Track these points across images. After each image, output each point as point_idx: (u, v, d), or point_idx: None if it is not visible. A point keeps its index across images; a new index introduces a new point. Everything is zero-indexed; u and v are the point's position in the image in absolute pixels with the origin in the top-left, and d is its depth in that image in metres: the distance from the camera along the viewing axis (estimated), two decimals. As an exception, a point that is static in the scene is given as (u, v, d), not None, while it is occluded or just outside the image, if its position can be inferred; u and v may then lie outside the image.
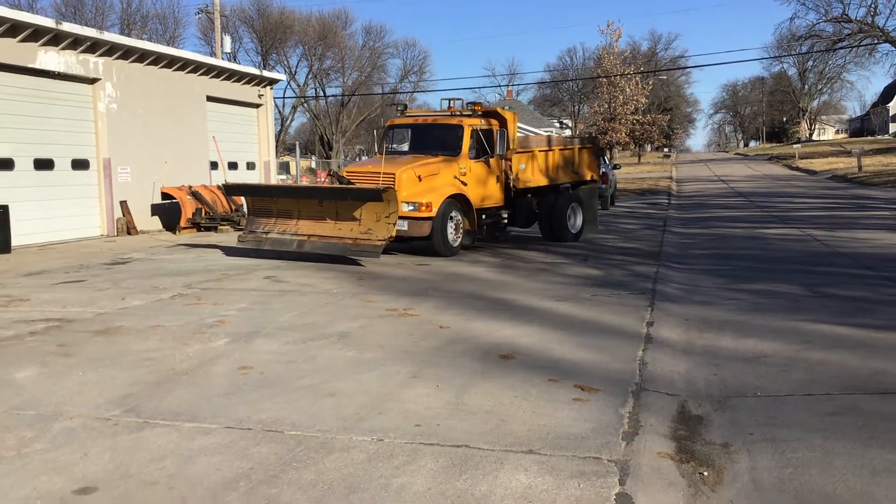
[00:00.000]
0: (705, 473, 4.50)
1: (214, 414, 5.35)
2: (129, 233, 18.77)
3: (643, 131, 60.18)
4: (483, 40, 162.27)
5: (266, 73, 26.10)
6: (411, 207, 13.49)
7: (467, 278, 11.59)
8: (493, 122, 15.38)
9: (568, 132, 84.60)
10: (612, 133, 55.74)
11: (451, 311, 8.92)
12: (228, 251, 14.62)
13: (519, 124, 59.28)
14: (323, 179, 42.85)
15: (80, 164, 18.10)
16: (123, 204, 18.88)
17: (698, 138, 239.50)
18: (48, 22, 16.89)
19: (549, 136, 24.16)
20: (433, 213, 13.57)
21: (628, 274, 11.97)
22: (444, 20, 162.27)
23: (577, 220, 17.20)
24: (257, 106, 25.27)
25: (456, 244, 14.15)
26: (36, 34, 16.51)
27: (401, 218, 13.12)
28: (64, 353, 6.99)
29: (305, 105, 78.39)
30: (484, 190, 14.95)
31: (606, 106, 57.29)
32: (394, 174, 13.57)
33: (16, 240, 15.46)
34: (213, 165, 22.45)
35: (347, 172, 14.77)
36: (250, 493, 4.10)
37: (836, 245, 15.23)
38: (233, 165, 23.71)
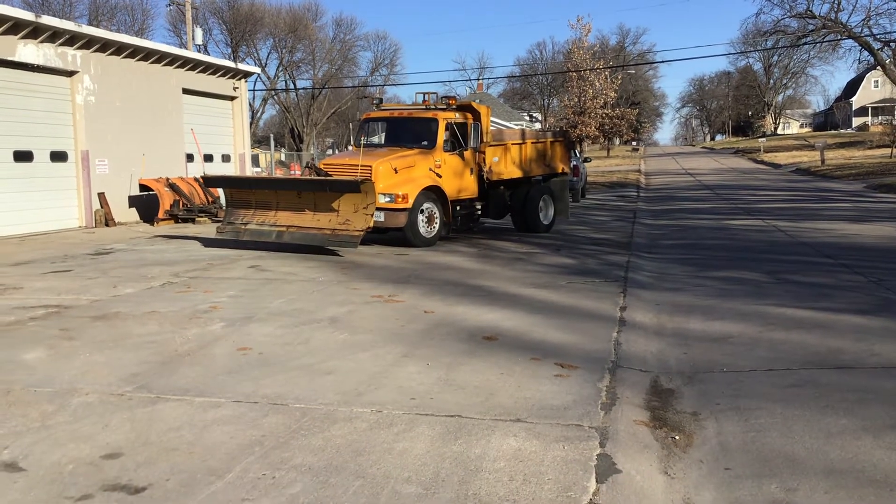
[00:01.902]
0: (677, 437, 4.97)
1: (221, 390, 5.71)
2: (107, 224, 18.92)
3: (612, 125, 60.86)
4: (453, 34, 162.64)
5: (241, 66, 26.22)
6: (388, 199, 13.78)
7: (447, 267, 12.00)
8: (468, 115, 15.70)
9: (538, 125, 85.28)
10: (581, 127, 56.36)
11: (435, 298, 9.32)
12: (208, 242, 14.89)
13: (491, 118, 59.28)
14: (296, 172, 43.02)
15: (58, 157, 18.22)
16: (101, 196, 19.02)
17: (666, 132, 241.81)
18: (28, 15, 16.99)
19: (522, 130, 24.48)
20: (409, 205, 13.88)
21: (601, 263, 12.45)
22: (414, 13, 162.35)
23: (549, 212, 17.58)
24: (232, 98, 25.41)
25: (431, 235, 14.46)
26: (16, 27, 16.60)
27: (378, 209, 13.40)
28: (68, 337, 7.29)
29: (276, 97, 78.27)
30: (458, 182, 15.26)
31: (576, 100, 57.93)
32: (370, 166, 13.84)
33: (-4, 231, 15.60)
34: (190, 158, 22.61)
35: (325, 165, 14.98)
36: (265, 457, 4.48)
37: (798, 235, 15.87)
38: (209, 158, 23.85)
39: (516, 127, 57.82)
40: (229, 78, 24.89)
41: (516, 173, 16.90)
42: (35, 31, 17.14)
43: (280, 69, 76.98)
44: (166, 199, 19.61)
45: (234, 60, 59.11)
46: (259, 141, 66.00)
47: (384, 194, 13.70)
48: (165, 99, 21.60)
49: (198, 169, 21.52)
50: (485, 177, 15.90)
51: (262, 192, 14.17)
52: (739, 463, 4.53)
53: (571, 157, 26.81)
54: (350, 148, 16.00)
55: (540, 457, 4.49)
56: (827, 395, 5.65)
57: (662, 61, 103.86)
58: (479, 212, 16.31)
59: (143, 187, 19.80)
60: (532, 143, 17.69)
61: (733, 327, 7.87)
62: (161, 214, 19.40)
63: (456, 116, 15.37)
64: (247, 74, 26.26)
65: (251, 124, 68.71)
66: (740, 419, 5.22)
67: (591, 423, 5.06)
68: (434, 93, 16.36)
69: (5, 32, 16.43)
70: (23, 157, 17.25)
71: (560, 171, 18.40)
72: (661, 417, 5.35)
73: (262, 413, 5.22)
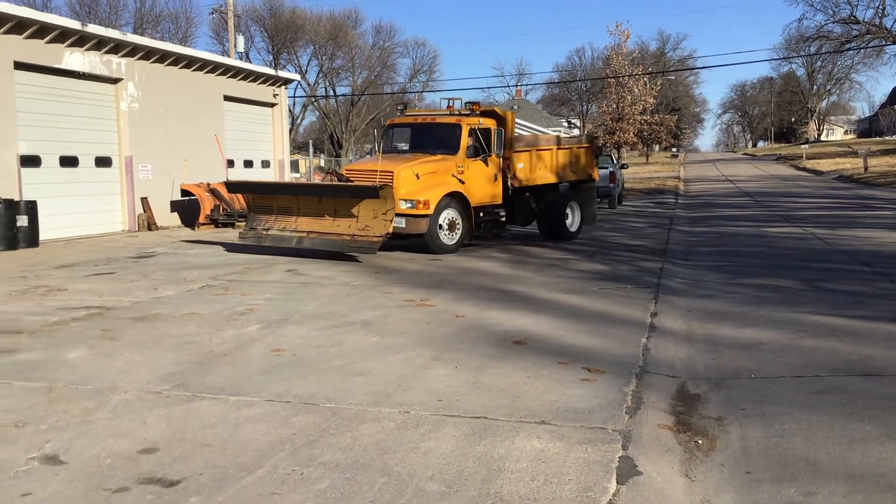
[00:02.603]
0: (700, 441, 5.02)
1: (255, 389, 5.88)
2: (149, 228, 19.34)
3: (651, 131, 60.57)
4: (492, 41, 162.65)
5: (281, 74, 26.67)
6: (409, 205, 13.72)
7: (479, 272, 12.10)
8: (492, 121, 15.59)
9: (576, 132, 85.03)
10: (619, 133, 56.15)
11: (466, 302, 9.43)
12: (246, 247, 15.13)
13: (527, 123, 59.29)
14: (321, 179, 43.38)
15: (103, 162, 18.69)
16: (144, 200, 19.45)
17: (707, 138, 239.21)
18: (74, 24, 17.49)
19: (547, 136, 24.35)
20: (430, 211, 13.77)
21: (634, 269, 12.45)
22: (453, 20, 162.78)
23: (576, 219, 17.39)
24: (272, 105, 25.82)
25: (453, 242, 14.32)
26: (63, 35, 17.09)
27: (399, 215, 13.41)
28: (109, 337, 7.53)
29: (316, 104, 79.02)
30: (482, 188, 15.14)
31: (615, 106, 57.71)
32: (392, 172, 13.82)
33: (43, 234, 16.04)
34: (230, 163, 23.03)
35: (347, 171, 15.01)
36: (295, 454, 4.63)
37: (836, 243, 15.70)
38: (248, 163, 24.28)
39: (553, 133, 57.72)
40: (269, 85, 25.29)
41: (542, 179, 16.73)
42: (81, 40, 17.62)
43: (320, 76, 77.77)
44: (207, 204, 19.98)
45: (275, 67, 59.94)
46: (299, 147, 66.81)
47: (405, 200, 13.70)
48: (207, 106, 22.03)
49: (236, 175, 21.88)
50: (509, 183, 15.77)
51: (283, 198, 14.27)
52: (761, 467, 4.58)
53: (598, 163, 26.74)
54: (376, 154, 16.15)
55: (562, 458, 4.57)
56: (853, 402, 5.65)
57: (703, 67, 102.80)
58: (504, 219, 16.13)
59: (184, 192, 20.20)
60: (558, 149, 17.49)
61: (764, 334, 7.86)
62: (202, 219, 19.77)
63: (480, 122, 15.29)
64: (287, 81, 26.67)
65: (291, 130, 69.53)
66: (764, 424, 5.25)
67: (614, 426, 5.12)
68: (458, 98, 16.42)
69: (52, 41, 16.92)
70: (69, 162, 17.73)
71: (588, 177, 18.20)
72: (686, 422, 5.40)
73: (294, 412, 5.37)
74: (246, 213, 20.26)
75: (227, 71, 22.90)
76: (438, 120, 15.77)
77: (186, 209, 20.58)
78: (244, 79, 23.84)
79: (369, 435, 4.94)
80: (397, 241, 14.43)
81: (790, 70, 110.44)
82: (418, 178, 14.08)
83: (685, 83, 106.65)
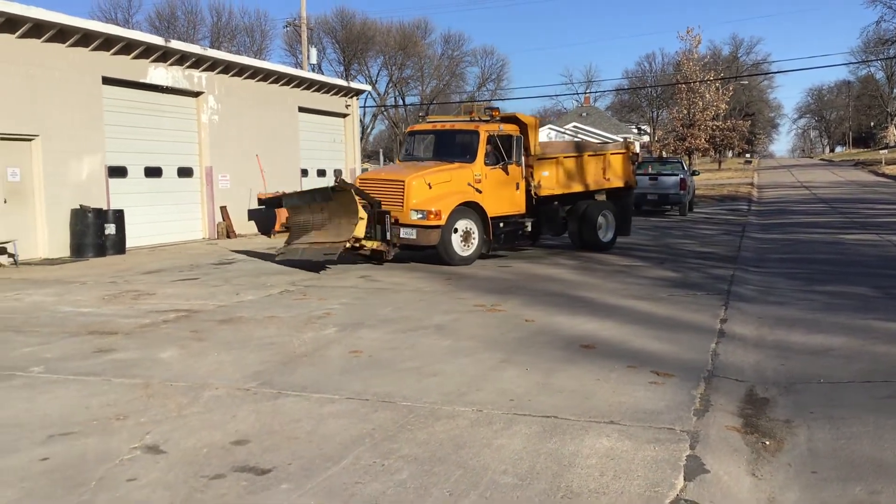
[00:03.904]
0: (767, 443, 5.13)
1: (335, 388, 6.20)
2: (228, 236, 20.02)
3: (723, 137, 59.64)
4: (561, 48, 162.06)
5: (353, 85, 27.27)
6: (420, 215, 13.23)
7: (548, 279, 12.27)
8: (513, 127, 15.02)
9: (646, 138, 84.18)
10: (691, 139, 55.44)
11: (535, 308, 9.63)
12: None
13: (596, 130, 58.77)
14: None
15: (185, 172, 19.45)
16: (223, 209, 20.16)
17: (782, 144, 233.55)
18: (158, 40, 18.28)
19: (576, 142, 23.50)
20: (442, 222, 13.24)
21: (704, 276, 12.46)
22: (522, 28, 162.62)
23: (610, 229, 16.72)
24: (344, 116, 26.42)
25: (468, 254, 13.78)
26: (147, 51, 17.88)
27: (410, 226, 13.18)
28: (197, 338, 7.98)
29: (385, 113, 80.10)
30: (501, 197, 14.54)
31: (686, 112, 56.99)
32: (403, 181, 13.43)
33: (129, 241, 16.79)
34: (304, 173, 23.67)
35: (360, 180, 14.53)
36: (375, 447, 4.91)
37: (915, 250, 15.38)
38: (321, 173, 24.88)
39: (619, 139, 57.32)
40: (342, 96, 25.90)
41: (570, 188, 16.08)
42: (165, 55, 18.39)
43: (390, 85, 78.90)
44: (282, 213, 20.55)
45: (346, 78, 61.01)
46: (369, 155, 67.73)
47: (416, 210, 13.27)
48: (282, 117, 22.70)
49: (310, 184, 22.44)
50: (533, 192, 15.21)
51: (299, 211, 13.99)
52: (827, 467, 4.68)
53: (669, 170, 26.33)
54: (397, 162, 15.62)
55: (631, 456, 4.74)
56: (924, 407, 5.68)
57: (778, 71, 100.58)
58: (529, 229, 15.38)
59: (261, 201, 20.82)
60: (588, 155, 16.78)
61: (835, 340, 7.86)
62: (277, 227, 20.38)
63: (500, 128, 14.66)
64: (358, 92, 27.26)
65: (361, 139, 70.68)
66: (832, 427, 5.33)
67: (682, 427, 5.27)
68: (482, 104, 16.27)
69: (138, 56, 17.71)
70: (153, 172, 18.52)
71: (623, 185, 17.43)
72: (753, 424, 5.51)
73: (373, 409, 5.66)
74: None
75: (301, 83, 23.56)
76: (457, 127, 15.22)
77: (263, 217, 21.23)
78: (318, 90, 24.47)
79: (444, 431, 5.20)
80: (413, 253, 14.23)
81: (869, 73, 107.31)
82: (430, 187, 13.57)
83: (759, 88, 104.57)
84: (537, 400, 5.86)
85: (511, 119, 15.37)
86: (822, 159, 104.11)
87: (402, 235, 13.36)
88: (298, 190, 18.43)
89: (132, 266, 14.27)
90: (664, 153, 54.41)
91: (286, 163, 22.59)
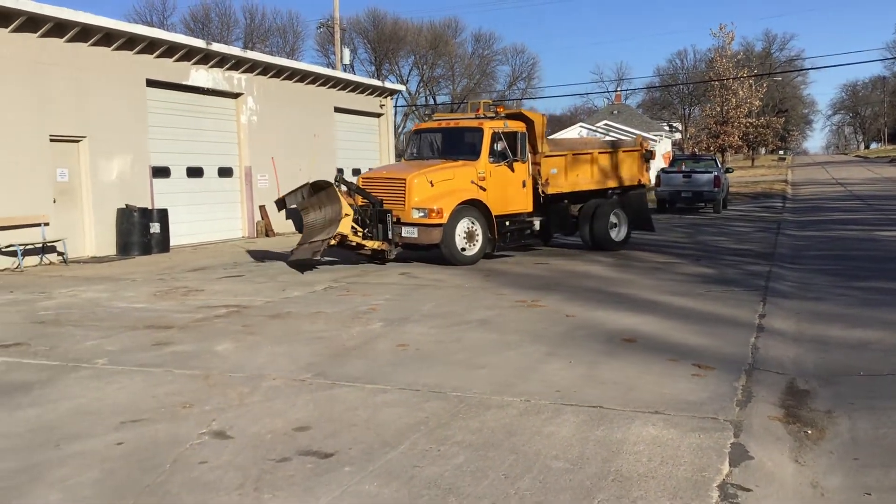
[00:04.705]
0: (809, 432, 5.29)
1: (386, 379, 6.44)
2: (266, 235, 20.41)
3: (757, 134, 59.27)
4: (592, 47, 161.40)
5: (388, 85, 27.61)
6: (422, 214, 13.07)
7: (586, 275, 12.44)
8: (519, 124, 14.81)
9: (678, 135, 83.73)
10: (724, 136, 55.14)
11: (575, 303, 9.82)
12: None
13: (626, 128, 58.48)
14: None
15: (225, 172, 19.86)
16: (262, 208, 20.55)
17: (816, 140, 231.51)
18: (200, 43, 18.69)
19: (585, 139, 22.99)
20: (444, 220, 13.04)
21: (741, 273, 12.54)
22: (553, 27, 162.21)
23: (622, 228, 16.43)
24: (378, 115, 26.75)
25: (472, 253, 13.59)
26: (189, 54, 18.30)
27: (411, 225, 13.07)
28: (249, 332, 8.27)
29: (416, 112, 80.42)
30: (506, 195, 14.34)
31: (718, 109, 56.70)
32: (404, 180, 13.30)
33: (172, 240, 17.21)
34: (340, 172, 23.96)
35: (363, 179, 14.35)
36: (430, 434, 5.14)
37: (954, 247, 15.32)
38: (357, 171, 25.18)
39: (654, 137, 57.04)
40: (377, 96, 26.22)
41: (580, 186, 15.83)
42: (206, 58, 18.80)
43: (420, 85, 79.19)
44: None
45: (378, 77, 61.41)
46: (400, 154, 68.06)
47: (418, 209, 13.11)
48: (319, 117, 23.06)
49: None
50: (540, 190, 14.99)
51: (307, 211, 13.90)
52: (869, 454, 4.83)
53: (702, 167, 26.02)
54: (402, 161, 15.52)
55: (677, 443, 4.93)
56: (965, 398, 5.79)
57: (812, 68, 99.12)
58: (536, 228, 15.17)
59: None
60: (599, 153, 16.52)
61: (874, 334, 7.97)
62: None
63: (505, 125, 14.45)
64: (392, 92, 27.58)
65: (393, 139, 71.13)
66: (873, 417, 5.48)
67: (725, 416, 5.44)
68: (487, 101, 16.15)
69: (180, 59, 18.14)
70: (195, 172, 18.95)
71: (636, 182, 17.24)
72: (795, 414, 5.66)
73: (424, 399, 5.89)
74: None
75: (337, 84, 23.90)
76: (461, 124, 15.06)
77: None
78: (353, 91, 24.81)
79: (495, 420, 5.41)
80: (417, 253, 14.18)
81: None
82: (432, 185, 13.36)
83: (793, 84, 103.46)
84: (583, 391, 6.06)
85: (517, 116, 15.22)
86: (856, 156, 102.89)
87: (403, 234, 13.25)
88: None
89: (177, 264, 14.66)
90: (697, 150, 54.16)
91: (323, 162, 22.91)
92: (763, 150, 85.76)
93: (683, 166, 29.57)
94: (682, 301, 9.95)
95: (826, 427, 5.37)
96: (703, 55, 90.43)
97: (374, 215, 13.23)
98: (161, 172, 17.90)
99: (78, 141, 15.87)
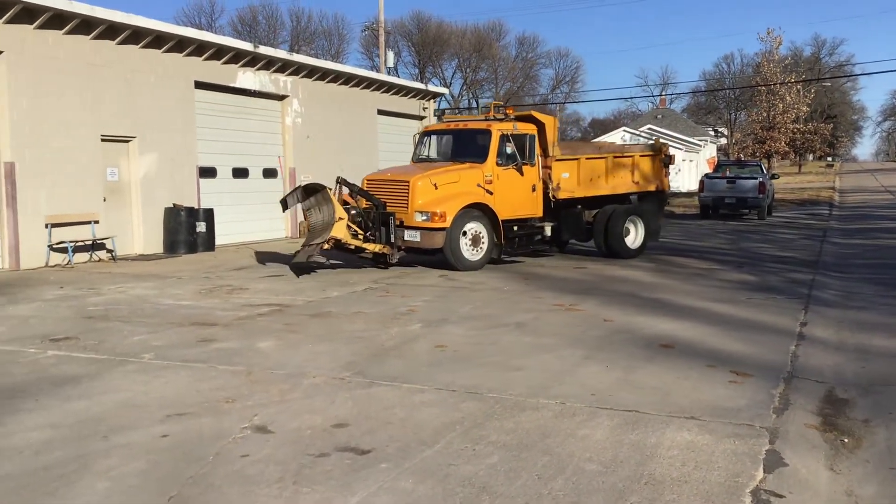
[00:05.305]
0: (846, 440, 5.27)
1: (424, 379, 6.54)
2: (309, 235, 20.64)
3: (804, 140, 58.31)
4: (637, 51, 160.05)
5: (430, 88, 27.73)
6: (424, 217, 12.81)
7: (625, 280, 12.43)
8: (529, 126, 14.47)
9: (723, 140, 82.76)
10: (770, 142, 54.37)
11: (613, 308, 9.83)
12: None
13: (670, 132, 57.80)
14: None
15: (269, 173, 20.17)
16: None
17: (865, 147, 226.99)
18: (247, 46, 19.01)
19: (600, 143, 22.17)
20: (447, 224, 12.77)
21: (784, 280, 12.43)
22: (598, 30, 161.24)
23: (638, 235, 15.87)
24: (421, 118, 26.87)
25: (477, 258, 13.32)
26: (237, 56, 18.62)
27: (414, 228, 12.86)
28: (291, 331, 8.44)
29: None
30: (514, 199, 14.01)
31: (765, 114, 55.92)
32: (408, 182, 13.07)
33: (217, 239, 17.53)
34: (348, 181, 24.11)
35: (367, 181, 14.06)
36: (465, 433, 5.22)
37: None
38: (399, 174, 25.37)
39: (699, 142, 56.48)
40: (419, 99, 26.38)
41: (594, 191, 15.40)
42: (253, 60, 19.11)
43: (464, 88, 79.34)
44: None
45: (422, 80, 61.70)
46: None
47: (421, 212, 12.88)
48: (361, 119, 23.28)
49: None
50: (551, 194, 14.61)
51: (309, 214, 13.62)
52: (906, 465, 4.80)
53: (748, 173, 25.55)
54: (410, 163, 15.39)
55: (711, 448, 4.95)
56: None
57: (862, 73, 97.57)
58: (548, 234, 14.71)
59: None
60: (614, 157, 16.04)
61: (918, 345, 7.87)
62: (356, 227, 20.86)
63: (514, 127, 14.12)
64: (435, 95, 27.71)
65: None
66: (912, 428, 5.43)
67: (762, 423, 5.44)
68: (498, 102, 15.84)
69: (228, 61, 18.46)
70: (240, 173, 19.27)
71: (653, 188, 16.78)
72: (832, 423, 5.64)
73: (461, 399, 5.98)
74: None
75: (380, 86, 24.11)
76: (470, 126, 14.78)
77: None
78: (396, 93, 25.00)
79: (530, 421, 5.48)
80: (421, 258, 14.02)
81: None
82: (436, 187, 13.11)
83: (842, 90, 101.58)
84: (618, 395, 6.09)
85: (527, 118, 14.86)
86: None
87: (406, 238, 13.02)
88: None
89: (222, 262, 14.94)
90: (742, 156, 53.52)
91: (366, 164, 23.06)
92: (811, 157, 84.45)
93: (728, 172, 29.29)
94: (722, 308, 9.90)
95: (863, 436, 5.34)
96: (751, 60, 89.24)
97: (377, 218, 13.09)
98: (207, 173, 18.23)
99: (128, 141, 16.24)
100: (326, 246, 12.53)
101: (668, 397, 6.03)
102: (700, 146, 60.00)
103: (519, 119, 14.65)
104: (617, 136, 52.64)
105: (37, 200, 14.32)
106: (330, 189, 12.96)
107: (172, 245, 16.57)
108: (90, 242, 15.13)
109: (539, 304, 10.13)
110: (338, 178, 13.73)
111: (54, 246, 14.42)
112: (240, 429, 5.34)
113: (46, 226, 14.37)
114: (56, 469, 4.66)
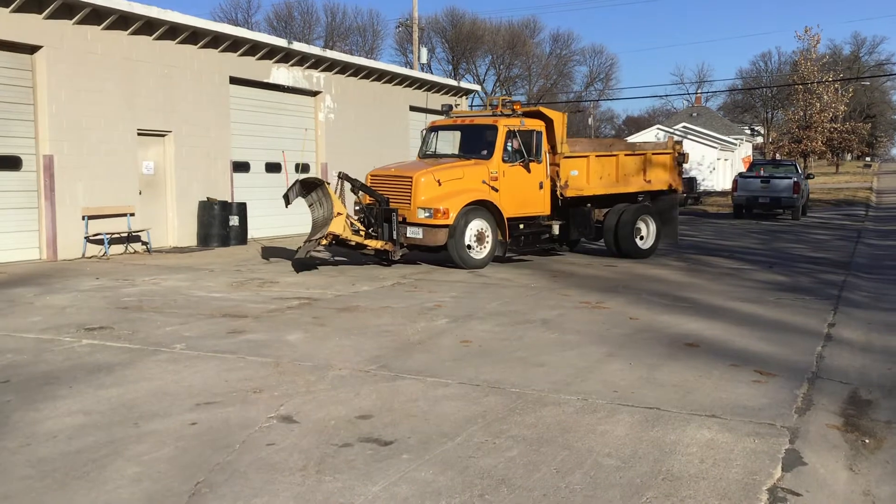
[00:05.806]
0: (867, 441, 5.27)
1: (448, 373, 6.63)
2: (340, 230, 20.82)
3: (841, 140, 57.40)
4: (673, 48, 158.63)
5: (462, 84, 27.80)
6: (427, 214, 12.70)
7: (654, 279, 12.41)
8: (537, 122, 14.24)
9: (759, 139, 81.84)
10: (807, 142, 53.64)
11: (639, 306, 9.84)
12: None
13: (706, 131, 57.33)
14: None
15: (302, 168, 20.35)
16: (336, 204, 20.97)
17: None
18: (281, 42, 19.22)
19: (611, 141, 21.93)
20: (450, 221, 12.64)
21: (815, 281, 12.34)
22: (633, 27, 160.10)
23: (650, 235, 15.59)
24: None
25: (481, 256, 13.19)
26: (271, 52, 18.84)
27: (416, 225, 12.74)
28: (319, 324, 8.57)
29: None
30: (520, 197, 13.82)
31: (802, 113, 55.18)
32: (411, 178, 12.93)
33: (249, 233, 17.77)
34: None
35: (371, 176, 13.86)
36: (487, 427, 5.30)
37: None
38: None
39: (735, 140, 55.91)
40: (451, 95, 26.44)
41: (604, 189, 15.16)
42: (287, 56, 19.32)
43: (497, 84, 79.25)
44: (392, 209, 21.21)
45: (455, 77, 61.80)
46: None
47: (423, 209, 12.74)
48: (393, 115, 23.42)
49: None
50: (559, 192, 14.39)
51: (313, 209, 13.48)
52: (926, 467, 4.80)
53: (781, 172, 25.21)
54: (417, 158, 15.21)
55: (730, 446, 4.98)
56: None
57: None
58: (555, 232, 14.57)
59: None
60: (625, 155, 15.73)
61: (947, 348, 7.80)
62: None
63: (521, 123, 13.89)
64: (467, 92, 27.79)
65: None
66: (935, 430, 5.41)
67: (783, 423, 5.45)
68: (506, 97, 15.18)
69: (262, 57, 18.68)
70: (273, 168, 19.50)
71: (667, 187, 16.43)
72: (854, 423, 5.63)
73: (483, 393, 6.06)
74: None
75: (413, 83, 24.24)
76: (476, 121, 14.57)
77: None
78: (428, 90, 25.10)
79: (551, 416, 5.54)
80: (425, 255, 13.94)
81: None
82: (440, 184, 12.93)
83: (881, 89, 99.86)
84: (640, 392, 6.13)
85: (535, 114, 14.61)
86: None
87: (408, 234, 12.89)
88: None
89: (254, 256, 15.16)
90: (778, 155, 52.92)
91: (397, 160, 23.24)
92: (848, 157, 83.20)
93: (762, 171, 29.03)
94: (749, 308, 9.87)
95: (885, 437, 5.33)
96: (788, 58, 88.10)
97: (380, 214, 12.99)
98: (241, 167, 18.48)
99: (164, 135, 16.52)
100: (325, 242, 12.48)
101: (690, 395, 6.06)
102: (735, 145, 59.41)
103: (527, 115, 14.41)
104: (651, 135, 52.26)
105: (74, 193, 14.64)
106: (329, 184, 12.92)
107: (206, 238, 16.83)
108: (126, 235, 15.43)
109: (565, 302, 10.17)
110: (339, 173, 13.65)
111: (91, 238, 14.72)
112: (266, 418, 5.46)
113: (83, 218, 14.69)
114: (88, 453, 4.82)
